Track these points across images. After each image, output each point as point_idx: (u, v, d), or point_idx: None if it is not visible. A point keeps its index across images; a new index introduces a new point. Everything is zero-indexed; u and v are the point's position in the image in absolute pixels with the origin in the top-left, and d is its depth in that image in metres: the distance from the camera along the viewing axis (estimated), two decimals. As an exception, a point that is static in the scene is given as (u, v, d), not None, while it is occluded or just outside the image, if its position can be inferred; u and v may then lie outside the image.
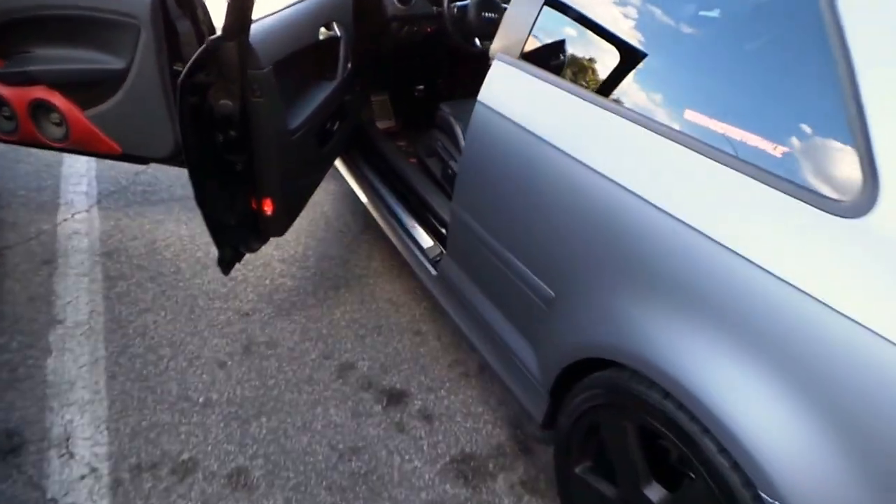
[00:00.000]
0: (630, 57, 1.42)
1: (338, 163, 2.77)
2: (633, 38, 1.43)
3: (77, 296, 2.21)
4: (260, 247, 1.98)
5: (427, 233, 2.25)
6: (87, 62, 1.85)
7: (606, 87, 1.45)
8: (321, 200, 3.04)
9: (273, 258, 2.59)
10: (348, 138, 2.61)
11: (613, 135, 1.33)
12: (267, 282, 2.46)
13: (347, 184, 2.76)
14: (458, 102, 2.60)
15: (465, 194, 1.82)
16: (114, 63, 1.84)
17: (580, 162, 1.35)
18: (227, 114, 1.64)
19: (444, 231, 2.16)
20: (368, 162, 2.72)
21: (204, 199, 1.66)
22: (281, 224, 1.93)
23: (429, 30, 2.66)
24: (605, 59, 1.49)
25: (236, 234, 1.86)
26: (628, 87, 1.41)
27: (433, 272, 2.09)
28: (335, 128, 2.44)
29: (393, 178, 2.55)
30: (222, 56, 1.54)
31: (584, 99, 1.42)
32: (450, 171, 2.37)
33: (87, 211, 2.68)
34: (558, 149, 1.41)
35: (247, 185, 1.80)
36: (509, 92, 1.61)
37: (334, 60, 2.20)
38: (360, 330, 2.28)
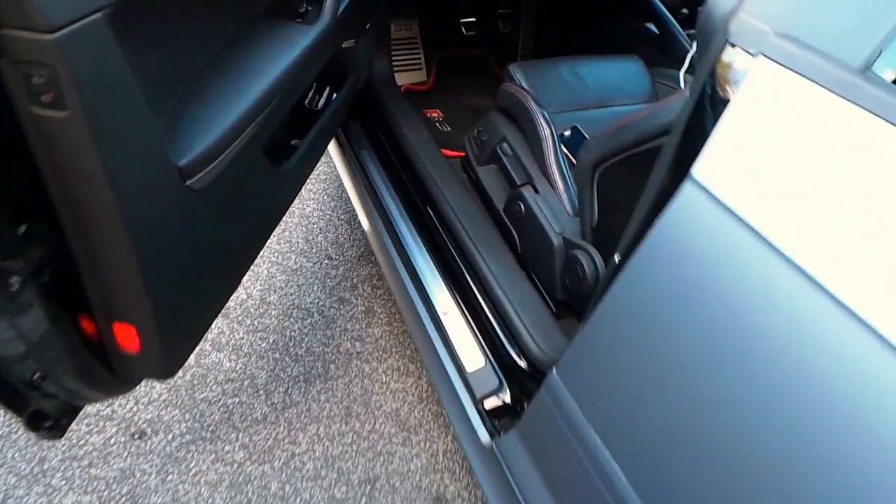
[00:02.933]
0: None
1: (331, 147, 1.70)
2: None
3: None
4: (115, 395, 0.97)
5: (476, 336, 1.22)
6: None
7: None
8: (302, 195, 1.98)
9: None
10: (346, 112, 1.53)
11: None
12: (190, 368, 1.46)
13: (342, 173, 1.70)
14: (548, 65, 1.50)
15: (594, 346, 0.79)
16: None
17: None
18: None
19: (515, 357, 1.13)
20: (376, 152, 1.65)
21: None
22: (163, 362, 0.90)
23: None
24: None
25: (50, 381, 0.84)
26: None
27: (485, 440, 1.09)
28: (318, 103, 1.36)
29: (418, 201, 1.49)
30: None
31: None
32: (520, 209, 1.30)
33: None
34: None
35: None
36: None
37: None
38: (337, 487, 1.30)
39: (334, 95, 1.43)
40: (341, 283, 1.72)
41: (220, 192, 0.84)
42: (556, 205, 1.27)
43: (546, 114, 1.33)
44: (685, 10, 1.80)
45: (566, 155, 1.37)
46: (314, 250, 1.80)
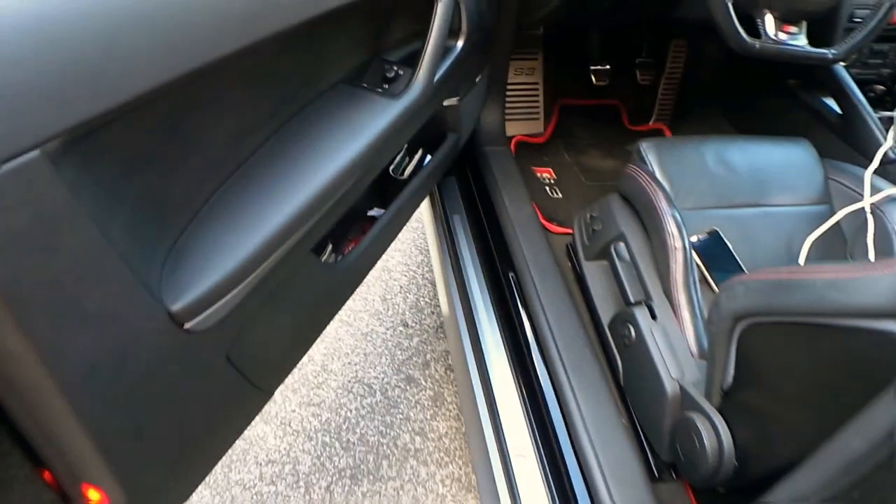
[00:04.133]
0: None
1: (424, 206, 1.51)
2: None
3: None
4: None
5: (550, 492, 0.98)
6: None
7: None
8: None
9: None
10: (440, 176, 1.34)
11: None
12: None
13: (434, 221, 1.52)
14: (690, 146, 1.24)
15: None
16: None
17: None
18: None
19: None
20: (469, 220, 1.44)
21: None
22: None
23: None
24: None
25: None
26: None
27: None
28: (405, 170, 1.18)
29: (507, 293, 1.27)
30: None
31: None
32: (629, 333, 1.05)
33: None
34: None
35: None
36: None
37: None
38: None
39: (427, 158, 1.25)
40: (413, 357, 1.53)
41: (236, 323, 0.67)
42: (676, 339, 1.01)
43: (679, 217, 1.07)
44: (881, 87, 1.44)
45: (698, 268, 1.10)
46: (390, 312, 1.63)
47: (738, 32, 1.06)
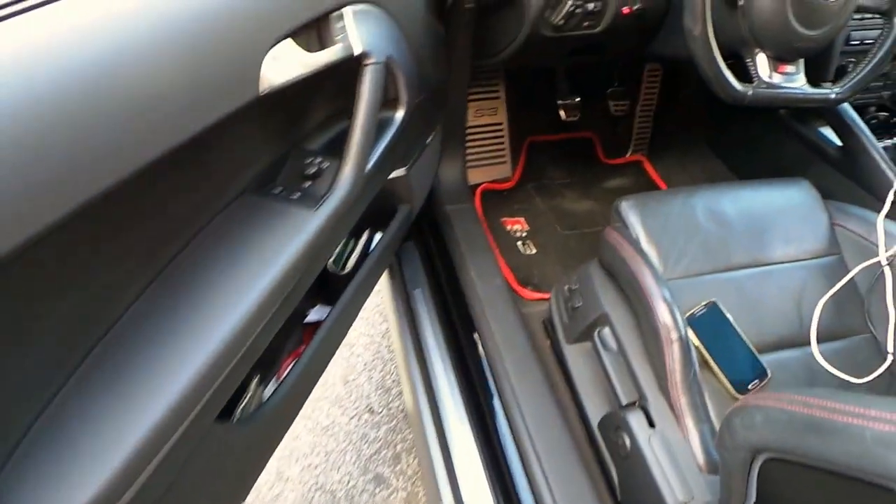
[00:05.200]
0: None
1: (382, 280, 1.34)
2: None
3: None
4: None
5: None
6: None
7: None
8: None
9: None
10: (390, 257, 1.18)
11: None
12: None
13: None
14: (676, 201, 1.09)
15: None
16: None
17: None
18: None
19: None
20: (431, 294, 1.28)
21: None
22: None
23: (625, 11, 1.08)
24: None
25: None
26: None
27: None
28: (346, 263, 1.02)
29: (476, 384, 1.11)
30: None
31: None
32: (623, 443, 0.89)
33: None
34: None
35: None
36: None
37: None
38: None
39: (376, 238, 1.09)
40: (381, 450, 1.36)
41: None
42: (680, 450, 0.85)
43: (670, 297, 0.92)
44: (883, 112, 1.30)
45: (699, 353, 0.94)
46: (353, 397, 1.46)
47: (727, 80, 0.92)
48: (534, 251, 1.46)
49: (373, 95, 0.74)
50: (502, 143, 1.61)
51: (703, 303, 1.00)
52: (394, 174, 1.05)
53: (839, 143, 1.24)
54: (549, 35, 1.06)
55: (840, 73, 1.24)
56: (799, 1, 0.88)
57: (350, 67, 0.72)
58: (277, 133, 0.75)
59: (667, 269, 1.02)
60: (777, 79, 0.93)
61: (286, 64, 0.62)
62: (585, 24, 1.06)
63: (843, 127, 1.23)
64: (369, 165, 0.79)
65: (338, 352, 1.52)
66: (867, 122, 1.25)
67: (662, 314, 0.89)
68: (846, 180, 1.23)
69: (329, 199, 0.71)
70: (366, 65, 0.73)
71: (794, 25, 0.89)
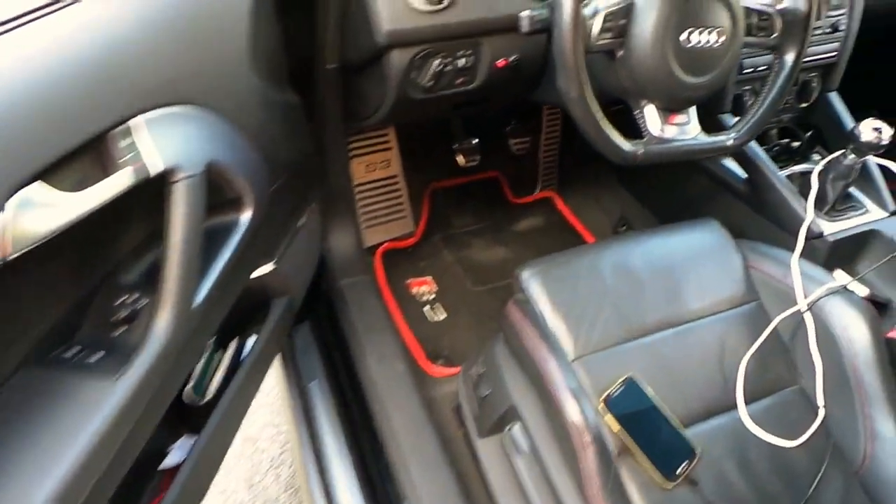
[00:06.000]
0: None
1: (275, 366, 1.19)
2: None
3: None
4: None
5: None
6: None
7: None
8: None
9: None
10: (267, 366, 1.04)
11: None
12: None
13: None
14: (582, 262, 0.99)
15: None
16: None
17: None
18: None
19: None
20: (329, 384, 1.14)
21: None
22: None
23: (499, 64, 0.98)
24: None
25: None
26: None
27: None
28: (206, 389, 0.87)
29: (379, 492, 0.98)
30: None
31: None
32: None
33: None
34: None
35: None
36: None
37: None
38: None
39: (248, 345, 0.95)
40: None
41: None
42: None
43: (577, 385, 0.82)
44: (785, 139, 1.25)
45: (620, 440, 0.85)
46: (259, 502, 1.30)
47: (614, 143, 0.83)
48: (443, 316, 1.35)
49: (189, 217, 0.61)
50: (400, 196, 1.49)
51: (620, 379, 0.91)
52: (258, 272, 0.91)
53: (745, 175, 1.19)
54: (419, 97, 0.95)
55: (737, 103, 1.19)
56: (680, 48, 0.80)
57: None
58: (71, 273, 0.61)
59: (578, 345, 0.92)
60: (669, 132, 0.85)
61: (41, 214, 0.48)
62: (459, 80, 0.96)
63: (745, 159, 1.17)
64: (200, 297, 0.65)
65: (239, 449, 1.36)
66: (770, 150, 1.20)
67: (571, 413, 0.79)
68: (757, 215, 1.17)
69: (138, 359, 0.57)
70: (173, 182, 0.59)
71: (678, 75, 0.81)
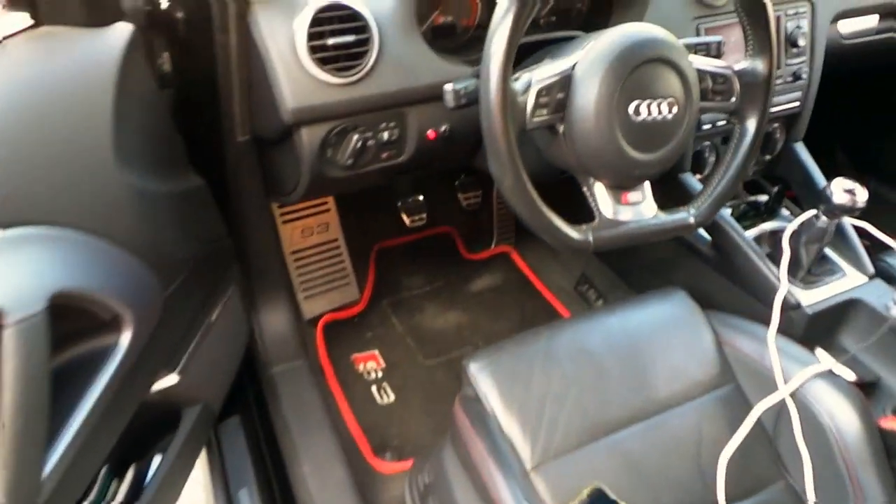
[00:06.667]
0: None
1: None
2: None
3: None
4: None
5: None
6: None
7: None
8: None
9: None
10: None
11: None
12: None
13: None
14: (536, 349, 0.87)
15: None
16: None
17: None
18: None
19: None
20: (259, 490, 1.01)
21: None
22: None
23: (430, 136, 0.88)
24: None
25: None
26: None
27: None
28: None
29: None
30: None
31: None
32: None
33: None
34: None
35: None
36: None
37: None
38: None
39: (153, 466, 0.81)
40: None
41: None
42: None
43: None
44: (752, 197, 1.16)
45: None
46: None
47: (561, 232, 0.72)
48: (392, 398, 1.22)
49: (23, 370, 0.48)
50: (342, 261, 1.37)
51: (586, 491, 0.79)
52: (158, 386, 0.78)
53: (709, 237, 1.10)
54: (339, 176, 0.84)
55: (698, 159, 1.10)
56: (629, 123, 0.70)
57: None
58: None
59: (536, 452, 0.81)
60: (623, 213, 0.75)
61: None
62: (385, 154, 0.85)
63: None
64: (52, 461, 0.52)
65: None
66: (737, 208, 1.12)
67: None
68: (726, 281, 1.08)
69: None
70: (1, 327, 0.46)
71: (628, 152, 0.71)
